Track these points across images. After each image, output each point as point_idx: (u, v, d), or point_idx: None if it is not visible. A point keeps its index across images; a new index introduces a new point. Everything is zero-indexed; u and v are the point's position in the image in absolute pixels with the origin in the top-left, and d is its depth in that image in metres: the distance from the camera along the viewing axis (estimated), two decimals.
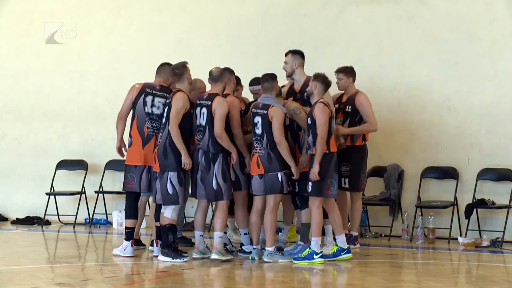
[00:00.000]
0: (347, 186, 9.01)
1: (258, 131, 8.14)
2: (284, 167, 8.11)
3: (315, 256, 7.92)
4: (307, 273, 7.67)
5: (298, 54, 8.62)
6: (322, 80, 8.08)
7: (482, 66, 10.12)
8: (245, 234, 8.52)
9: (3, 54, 12.50)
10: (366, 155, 9.22)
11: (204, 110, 8.11)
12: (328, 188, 8.02)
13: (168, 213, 8.06)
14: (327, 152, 7.99)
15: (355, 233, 9.15)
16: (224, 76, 8.29)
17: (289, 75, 8.65)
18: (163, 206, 8.12)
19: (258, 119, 8.17)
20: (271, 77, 8.28)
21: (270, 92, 8.19)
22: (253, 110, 8.22)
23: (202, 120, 8.15)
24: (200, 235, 8.37)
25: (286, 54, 8.66)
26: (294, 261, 8.04)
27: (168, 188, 8.02)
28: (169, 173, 8.01)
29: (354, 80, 9.12)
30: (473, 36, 10.18)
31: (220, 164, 8.09)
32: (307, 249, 8.03)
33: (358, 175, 9.05)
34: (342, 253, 8.15)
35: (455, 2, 10.33)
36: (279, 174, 8.06)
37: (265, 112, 8.08)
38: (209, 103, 8.09)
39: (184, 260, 8.00)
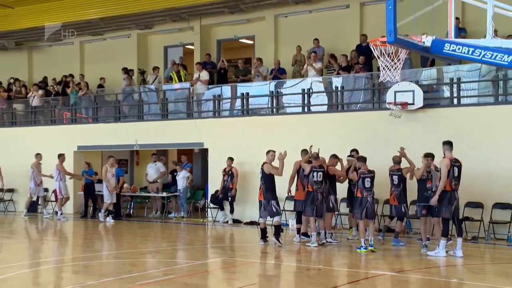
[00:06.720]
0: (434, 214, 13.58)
1: (369, 184, 13.71)
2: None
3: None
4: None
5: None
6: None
7: None
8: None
9: None
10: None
11: (320, 173, 14.54)
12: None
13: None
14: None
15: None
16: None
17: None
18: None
19: (368, 180, 13.76)
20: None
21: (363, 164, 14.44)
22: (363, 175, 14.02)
23: (319, 178, 14.48)
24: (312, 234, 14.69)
25: None
26: (357, 250, 13.54)
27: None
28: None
29: None
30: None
31: None
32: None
33: (440, 208, 13.12)
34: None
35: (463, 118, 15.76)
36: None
37: (372, 174, 13.92)
38: (323, 169, 14.60)
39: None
